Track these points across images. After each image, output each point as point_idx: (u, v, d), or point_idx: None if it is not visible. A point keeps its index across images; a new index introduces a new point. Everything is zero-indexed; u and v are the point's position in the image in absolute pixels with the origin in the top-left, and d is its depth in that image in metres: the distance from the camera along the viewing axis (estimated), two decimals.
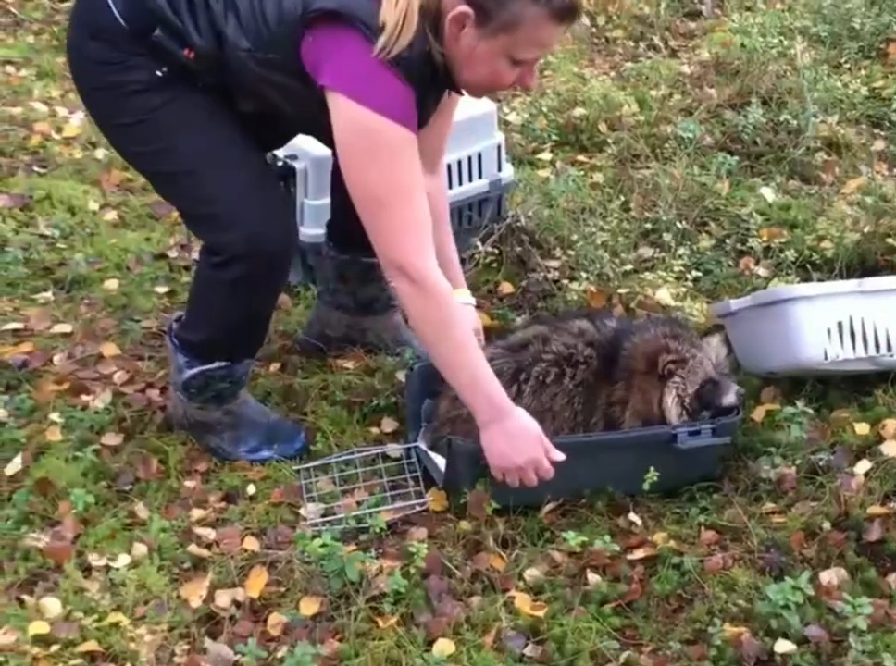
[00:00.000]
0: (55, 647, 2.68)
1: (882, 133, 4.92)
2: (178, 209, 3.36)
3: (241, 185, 3.04)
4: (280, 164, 4.01)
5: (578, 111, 5.05)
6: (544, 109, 5.08)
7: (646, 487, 3.11)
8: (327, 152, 3.78)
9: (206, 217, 3.06)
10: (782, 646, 2.63)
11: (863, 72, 5.29)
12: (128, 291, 4.01)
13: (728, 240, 4.16)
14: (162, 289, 4.04)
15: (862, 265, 3.90)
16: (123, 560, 2.95)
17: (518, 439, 2.98)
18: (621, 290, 3.76)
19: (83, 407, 3.45)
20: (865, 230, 3.97)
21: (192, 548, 3.01)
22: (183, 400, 3.32)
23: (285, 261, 3.15)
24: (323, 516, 3.12)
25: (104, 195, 4.54)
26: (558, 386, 3.21)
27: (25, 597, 2.82)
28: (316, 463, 3.27)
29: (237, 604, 2.86)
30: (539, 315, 3.76)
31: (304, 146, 3.83)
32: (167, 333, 3.34)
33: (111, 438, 3.36)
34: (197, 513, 3.14)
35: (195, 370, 3.25)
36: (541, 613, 2.79)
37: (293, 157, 3.86)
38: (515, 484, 3.03)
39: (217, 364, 3.24)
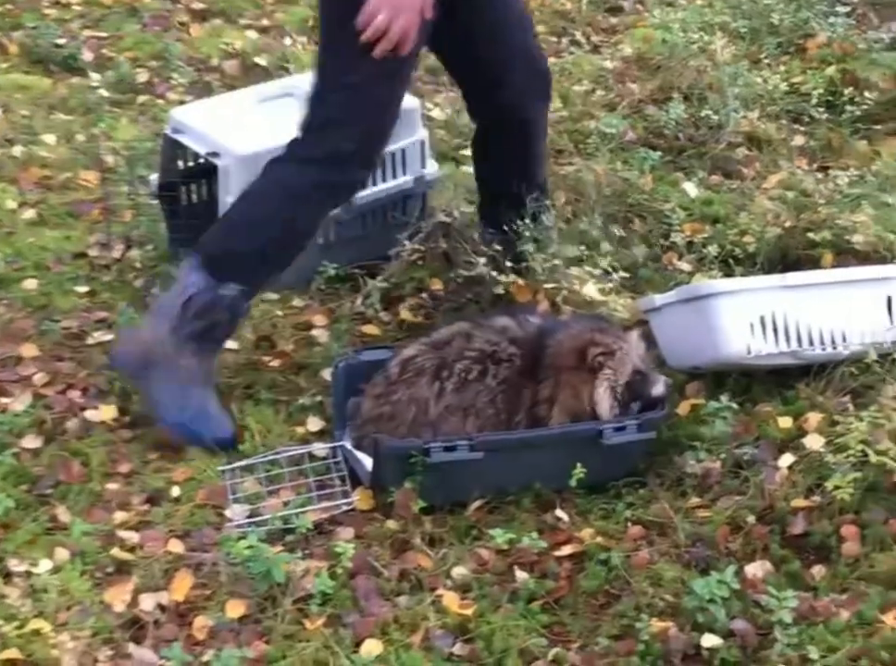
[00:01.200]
0: None
1: (802, 128, 4.96)
2: (319, 77, 3.35)
3: (392, 89, 3.27)
4: (201, 161, 3.99)
5: None
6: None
7: (573, 483, 3.12)
8: (250, 149, 3.80)
9: (340, 101, 3.21)
10: (709, 640, 2.65)
11: (782, 68, 5.32)
12: (47, 291, 3.95)
13: (651, 236, 4.16)
14: (82, 289, 3.98)
15: (783, 259, 3.92)
16: (45, 565, 2.90)
17: None
18: (547, 285, 3.76)
19: (2, 410, 3.39)
20: (786, 225, 3.99)
21: (116, 551, 2.97)
22: (164, 331, 3.26)
23: (367, 177, 3.45)
24: (249, 517, 3.09)
25: (21, 193, 4.46)
26: (481, 383, 3.20)
27: None
28: (241, 464, 3.24)
29: (161, 608, 2.83)
30: (463, 313, 3.75)
31: (227, 144, 3.81)
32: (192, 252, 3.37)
33: (31, 441, 3.30)
34: (120, 516, 3.10)
35: (205, 290, 3.25)
36: (468, 612, 2.79)
37: (215, 155, 3.82)
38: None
39: (230, 288, 3.24)
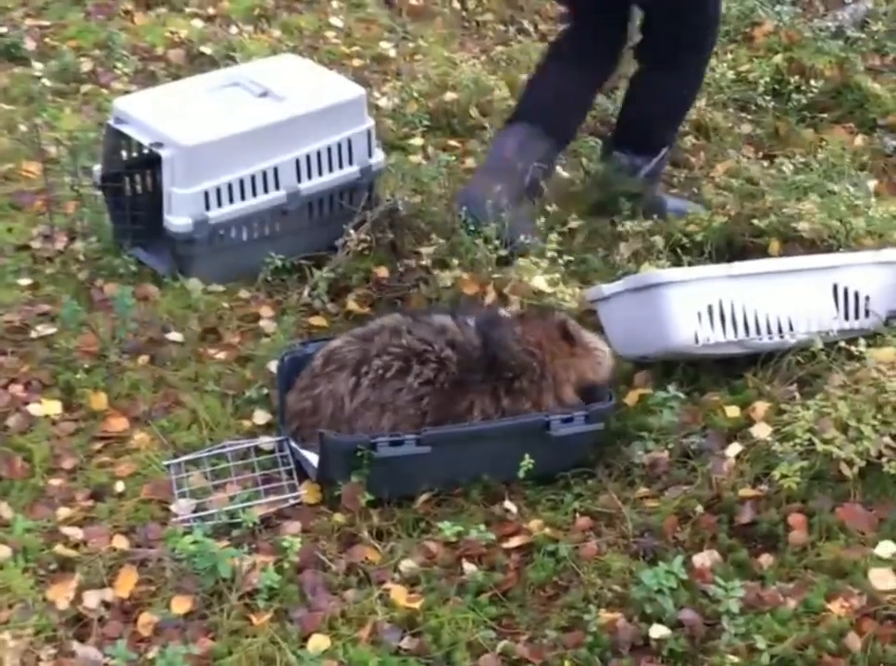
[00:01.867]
0: None
1: (749, 117, 4.97)
2: None
3: None
4: (145, 151, 3.94)
5: (449, 96, 5.02)
6: (415, 94, 5.04)
7: (521, 474, 3.11)
8: (195, 140, 3.76)
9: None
10: (657, 630, 2.64)
11: (729, 56, 5.34)
12: None
13: (598, 224, 4.16)
14: (25, 282, 3.92)
15: (730, 247, 3.92)
16: None
17: None
18: (495, 276, 3.75)
19: None
20: (733, 213, 3.99)
21: (59, 548, 2.93)
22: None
23: None
24: (195, 512, 3.06)
25: None
26: (401, 381, 3.14)
27: None
28: (187, 458, 3.21)
29: (106, 605, 2.80)
30: (402, 307, 3.73)
31: (172, 135, 3.76)
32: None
33: None
34: (64, 512, 3.06)
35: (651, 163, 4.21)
36: (416, 605, 2.77)
37: (159, 145, 3.78)
38: None
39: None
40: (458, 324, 3.26)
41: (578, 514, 3.05)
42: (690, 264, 3.84)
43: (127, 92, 4.92)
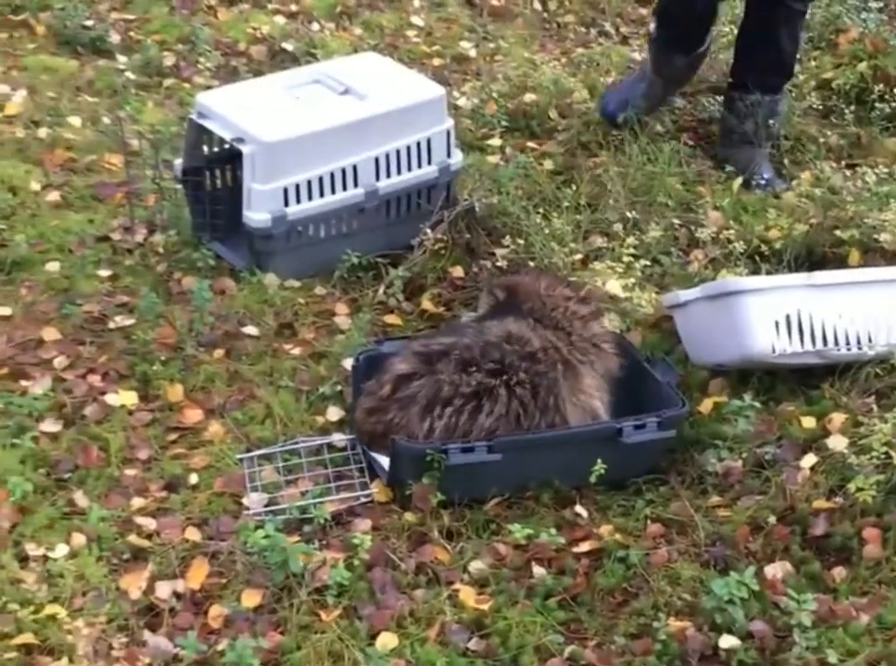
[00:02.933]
0: None
1: (831, 125, 4.91)
2: None
3: None
4: (226, 146, 3.97)
5: (529, 97, 5.00)
6: (494, 94, 5.03)
7: (593, 479, 3.10)
8: (276, 136, 3.78)
9: None
10: (726, 641, 2.63)
11: (813, 63, 5.28)
12: (70, 274, 3.93)
13: (677, 230, 4.13)
14: (105, 273, 3.96)
15: (809, 256, 3.89)
16: (61, 550, 2.89)
17: None
18: (570, 279, 3.73)
19: (22, 392, 3.38)
20: (813, 222, 3.96)
21: (133, 538, 2.96)
22: None
23: None
24: (266, 506, 3.08)
25: (46, 175, 4.44)
26: (473, 422, 3.12)
27: None
28: (260, 452, 3.23)
29: (177, 596, 2.82)
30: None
31: (253, 131, 3.79)
32: None
33: (50, 425, 3.29)
34: (138, 502, 3.09)
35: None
36: (485, 607, 2.77)
37: (241, 141, 3.80)
38: None
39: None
40: (527, 326, 3.26)
41: (649, 521, 3.03)
42: (768, 272, 3.81)
43: (209, 87, 4.96)
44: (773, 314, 3.23)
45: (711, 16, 4.60)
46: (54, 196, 4.34)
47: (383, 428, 3.14)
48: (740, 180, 4.37)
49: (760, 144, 4.56)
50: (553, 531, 2.96)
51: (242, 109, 3.91)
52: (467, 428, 3.11)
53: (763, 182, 4.45)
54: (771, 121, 4.56)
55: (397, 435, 3.09)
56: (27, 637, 2.64)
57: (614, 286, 3.71)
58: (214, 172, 4.10)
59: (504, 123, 4.86)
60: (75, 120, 4.83)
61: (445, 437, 3.09)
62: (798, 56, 4.68)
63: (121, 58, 5.35)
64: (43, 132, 4.71)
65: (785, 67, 4.59)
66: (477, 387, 3.13)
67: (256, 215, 3.81)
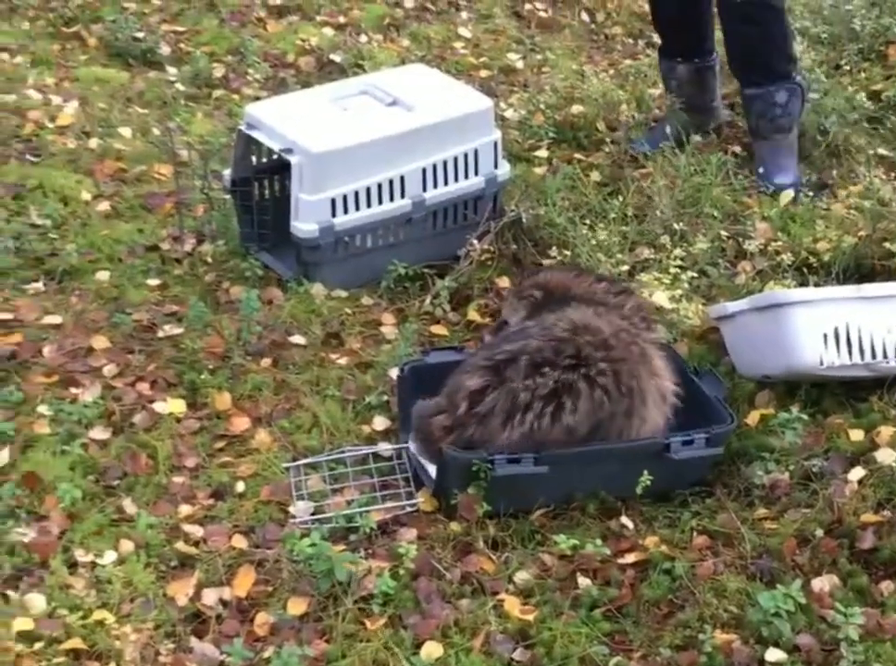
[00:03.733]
0: (38, 645, 2.65)
1: (881, 137, 4.88)
2: None
3: None
4: (275, 157, 3.99)
5: (576, 108, 5.00)
6: (542, 106, 5.04)
7: (639, 491, 3.09)
8: (324, 147, 3.80)
9: None
10: (773, 654, 2.62)
11: (863, 75, 5.26)
12: (119, 283, 3.97)
13: (724, 242, 4.12)
14: (154, 282, 3.99)
15: (858, 269, 3.87)
16: (109, 556, 2.92)
17: None
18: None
19: (72, 400, 3.41)
20: (862, 234, 3.94)
21: (180, 545, 2.98)
22: None
23: None
24: (312, 515, 3.09)
25: (97, 185, 4.49)
26: (557, 422, 3.06)
27: (10, 592, 2.79)
28: (306, 461, 3.25)
29: (223, 603, 2.84)
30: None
31: (301, 141, 3.81)
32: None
33: (99, 432, 3.32)
34: (185, 510, 3.11)
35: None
36: (530, 617, 2.77)
37: (289, 151, 3.83)
38: None
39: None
40: (592, 314, 3.24)
41: (695, 533, 3.02)
42: (816, 284, 3.79)
43: (257, 98, 5.01)
44: (821, 327, 3.22)
45: (691, 20, 4.67)
46: (104, 206, 4.38)
47: (464, 445, 3.08)
48: (790, 192, 4.34)
49: (764, 137, 4.56)
50: (598, 542, 2.96)
51: (291, 120, 3.94)
52: (551, 429, 3.06)
53: (759, 177, 4.50)
54: (774, 113, 4.52)
55: (479, 446, 3.06)
56: (75, 642, 2.66)
57: (660, 297, 3.70)
58: (262, 183, 4.13)
59: (551, 134, 4.87)
60: (125, 131, 4.87)
61: (530, 444, 3.05)
62: (789, 52, 4.56)
63: (171, 70, 5.40)
64: (94, 143, 4.75)
65: (761, 60, 4.51)
66: (554, 385, 3.06)
67: (304, 225, 3.83)
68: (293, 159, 3.82)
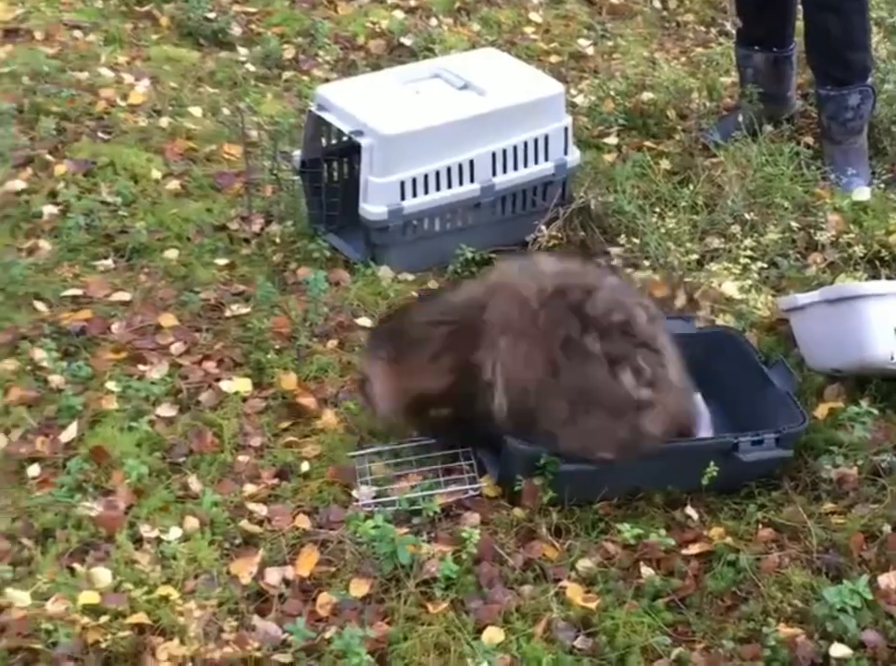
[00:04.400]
0: (104, 618, 2.67)
1: None
2: None
3: None
4: (345, 139, 4.00)
5: (647, 96, 4.97)
6: (612, 92, 5.01)
7: (705, 482, 3.06)
8: (395, 130, 3.80)
9: None
10: (838, 650, 2.59)
11: None
12: (187, 262, 4.00)
13: (795, 233, 4.07)
14: (222, 261, 4.01)
15: None
16: (174, 532, 2.94)
17: None
18: (686, 279, 3.71)
19: (139, 377, 3.44)
20: None
21: (244, 523, 3.00)
22: None
23: None
24: (376, 498, 3.10)
25: (167, 164, 4.51)
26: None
27: (76, 566, 2.82)
28: (371, 450, 3.24)
29: (286, 582, 2.85)
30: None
31: (372, 124, 3.81)
32: None
33: (166, 409, 3.35)
34: (250, 489, 3.12)
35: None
36: (592, 605, 2.76)
37: (360, 133, 3.83)
38: None
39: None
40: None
41: (760, 525, 3.00)
42: (888, 277, 3.74)
43: (327, 80, 5.01)
44: (892, 321, 3.18)
45: (776, 5, 4.62)
46: (174, 184, 4.41)
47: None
48: (863, 185, 4.29)
49: (835, 140, 4.50)
50: (662, 532, 2.94)
51: (362, 102, 3.94)
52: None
53: (832, 177, 4.40)
54: (846, 117, 4.46)
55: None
56: (140, 617, 2.68)
57: (730, 287, 3.67)
58: (332, 164, 4.13)
59: (620, 121, 4.84)
60: (196, 110, 4.89)
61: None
62: (866, 47, 4.50)
63: (242, 50, 5.41)
64: (164, 122, 4.77)
65: (839, 54, 4.44)
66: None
67: (373, 207, 3.83)
68: (364, 141, 3.82)
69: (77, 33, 5.38)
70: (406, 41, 5.51)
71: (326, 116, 3.97)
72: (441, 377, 3.10)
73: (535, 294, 3.04)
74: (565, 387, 2.99)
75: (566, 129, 4.10)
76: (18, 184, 4.29)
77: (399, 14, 5.77)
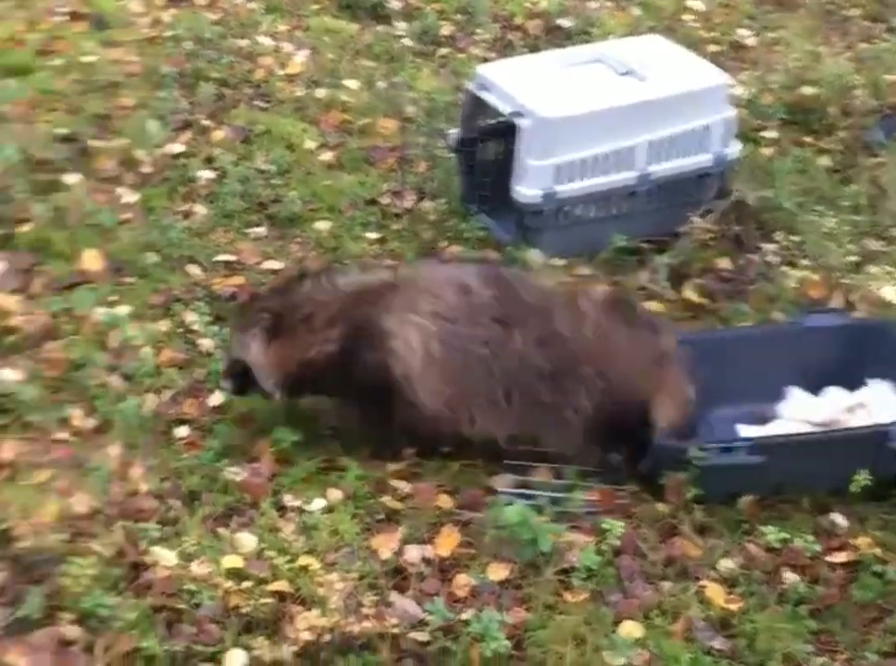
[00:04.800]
0: (246, 583, 2.70)
1: None
2: None
3: None
4: (502, 119, 3.97)
5: (808, 90, 4.87)
6: (772, 85, 4.91)
7: (853, 489, 2.98)
8: (555, 113, 3.77)
9: None
10: None
11: None
12: (338, 234, 4.01)
13: None
14: (372, 235, 4.03)
15: None
16: (317, 503, 2.96)
17: None
18: (843, 281, 3.63)
19: None
20: None
21: (386, 499, 3.01)
22: None
23: None
24: (518, 486, 3.08)
25: (322, 135, 4.54)
26: None
27: (220, 530, 2.85)
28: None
29: (426, 561, 2.85)
30: (748, 299, 3.65)
31: (532, 106, 3.78)
32: None
33: None
34: (392, 465, 3.13)
35: None
36: (734, 607, 2.73)
37: (518, 115, 3.80)
38: None
39: None
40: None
41: None
42: None
43: (484, 59, 4.99)
44: None
45: None
46: (328, 156, 4.43)
47: None
48: None
49: None
50: (809, 538, 2.89)
51: (522, 83, 3.92)
52: None
53: None
54: None
55: None
56: (281, 585, 2.71)
57: (889, 292, 3.58)
58: (487, 144, 4.11)
59: (780, 115, 4.74)
60: (352, 83, 4.91)
61: None
62: None
63: (400, 25, 5.42)
64: (321, 93, 4.80)
65: None
66: None
67: (527, 190, 3.81)
68: (522, 123, 3.79)
69: (239, 0, 5.43)
70: (564, 22, 5.47)
71: (484, 95, 3.95)
72: (331, 344, 3.08)
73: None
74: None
75: (727, 120, 4.03)
76: (177, 147, 4.35)
77: None
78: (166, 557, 2.75)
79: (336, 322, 3.08)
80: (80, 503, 2.86)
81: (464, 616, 2.69)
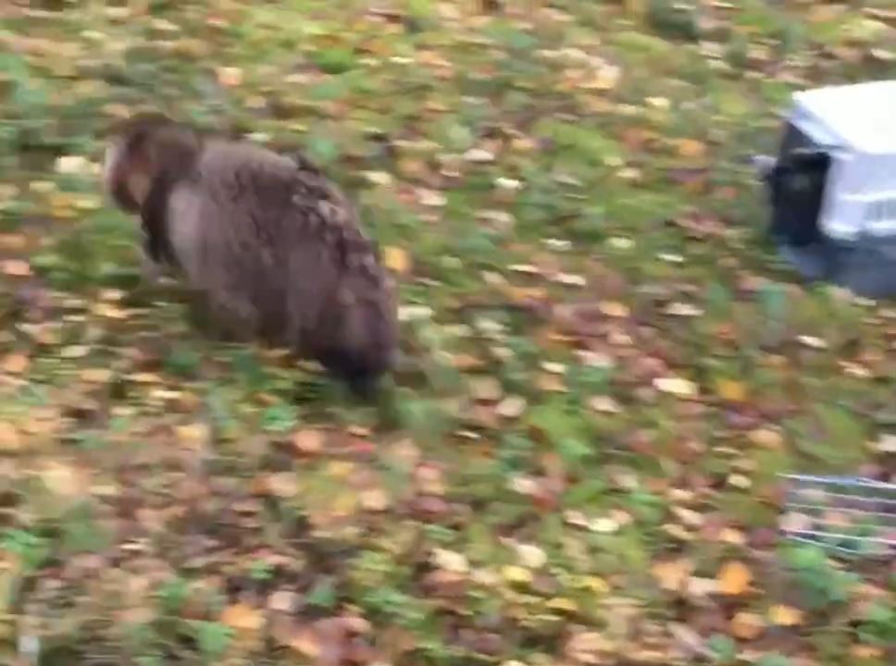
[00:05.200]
0: (528, 598, 2.70)
1: None
2: None
3: None
4: (818, 151, 3.87)
5: None
6: None
7: None
8: (878, 149, 3.66)
9: None
10: None
11: None
12: (636, 255, 3.98)
13: None
14: (671, 258, 3.97)
15: None
16: (603, 524, 2.94)
17: None
18: None
19: (581, 362, 3.46)
20: None
21: (673, 527, 2.97)
22: None
23: None
24: (808, 528, 2.99)
25: (625, 152, 4.51)
26: None
27: (505, 539, 2.86)
28: (810, 478, 3.12)
29: (711, 595, 2.80)
30: None
31: (853, 139, 3.67)
32: None
33: (603, 399, 3.34)
34: (679, 493, 3.09)
35: None
36: None
37: (837, 148, 3.69)
38: None
39: None
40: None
41: None
42: None
43: (796, 86, 4.86)
44: None
45: None
46: (630, 174, 4.39)
47: None
48: None
49: None
50: None
51: (843, 115, 3.81)
52: None
53: None
54: None
55: None
56: (564, 602, 2.70)
57: None
58: (800, 176, 4.00)
59: None
60: (660, 102, 4.85)
61: None
62: None
63: (708, 45, 5.33)
64: (629, 109, 4.77)
65: None
66: None
67: (840, 226, 3.72)
68: (842, 156, 3.68)
69: (550, 11, 5.45)
70: (882, 53, 5.29)
71: (802, 124, 3.86)
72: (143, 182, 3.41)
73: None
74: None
75: None
76: (481, 154, 4.39)
77: (876, 24, 5.54)
78: (452, 561, 2.78)
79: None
80: (375, 499, 2.91)
81: (744, 656, 2.63)
